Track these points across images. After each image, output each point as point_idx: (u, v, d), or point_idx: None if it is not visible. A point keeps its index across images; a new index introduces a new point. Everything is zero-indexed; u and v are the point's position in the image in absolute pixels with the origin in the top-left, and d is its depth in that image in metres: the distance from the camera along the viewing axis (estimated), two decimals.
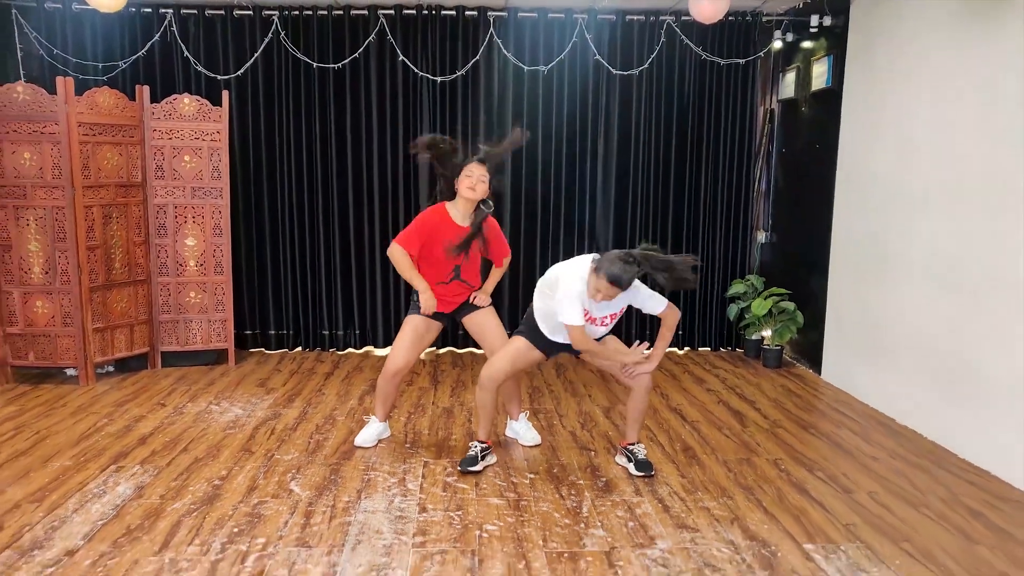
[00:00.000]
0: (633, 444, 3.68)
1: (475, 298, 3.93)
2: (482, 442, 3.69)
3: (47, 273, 4.90)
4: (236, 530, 2.95)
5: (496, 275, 4.03)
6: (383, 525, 3.02)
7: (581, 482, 3.50)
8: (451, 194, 3.76)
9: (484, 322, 3.95)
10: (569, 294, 3.31)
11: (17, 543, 2.82)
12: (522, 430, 4.05)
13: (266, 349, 6.16)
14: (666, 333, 3.54)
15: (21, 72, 5.60)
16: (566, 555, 2.82)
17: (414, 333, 3.81)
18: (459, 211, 3.73)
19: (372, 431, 3.98)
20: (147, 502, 3.18)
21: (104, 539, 2.85)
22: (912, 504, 3.33)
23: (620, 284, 3.19)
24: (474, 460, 3.61)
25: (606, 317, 3.48)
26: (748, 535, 3.00)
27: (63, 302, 4.92)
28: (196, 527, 2.96)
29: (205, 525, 2.98)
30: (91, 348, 4.99)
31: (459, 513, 3.15)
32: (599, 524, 3.07)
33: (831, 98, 5.36)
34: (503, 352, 3.68)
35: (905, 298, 4.48)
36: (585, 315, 3.39)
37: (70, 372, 5.16)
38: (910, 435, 4.24)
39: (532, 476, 3.57)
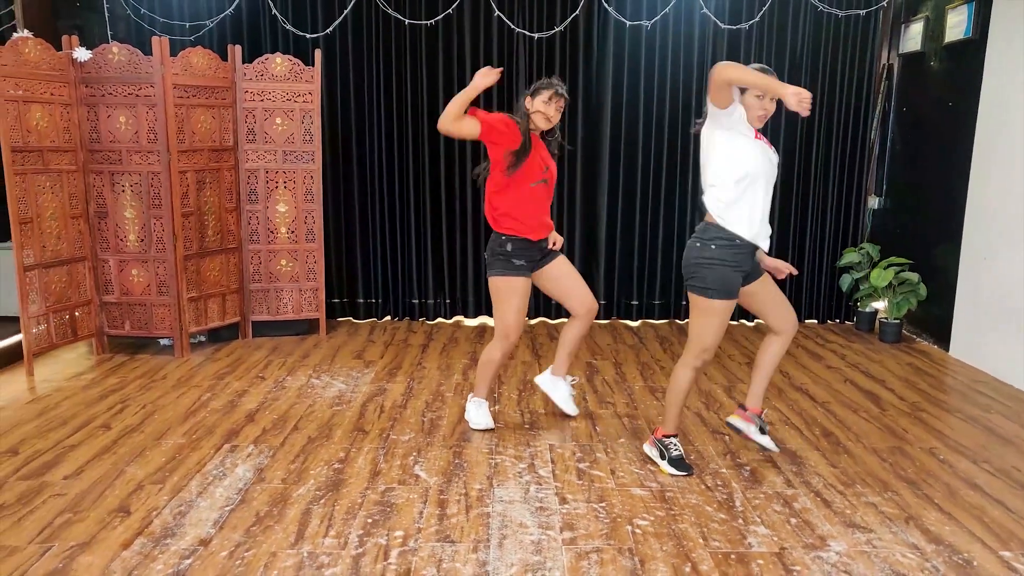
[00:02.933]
0: (670, 436, 3.26)
1: (553, 242, 3.59)
2: (673, 436, 3.26)
3: (142, 241, 4.76)
4: (370, 520, 2.75)
5: None
6: (525, 517, 2.80)
7: (724, 471, 3.23)
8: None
9: (566, 271, 3.60)
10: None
11: (148, 529, 2.66)
12: (565, 394, 3.83)
13: (354, 318, 5.99)
14: None
15: (108, 33, 5.44)
16: (733, 556, 2.56)
17: (524, 295, 3.47)
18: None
19: (485, 411, 3.69)
20: (270, 486, 3.01)
21: (235, 527, 2.68)
22: None
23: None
24: (682, 460, 3.20)
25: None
26: (930, 538, 2.70)
27: (158, 270, 4.79)
28: (327, 516, 2.78)
29: (336, 514, 2.79)
30: (186, 318, 4.85)
31: (603, 505, 2.91)
32: (758, 520, 2.81)
33: (970, 50, 4.89)
34: (705, 326, 3.02)
35: None
36: (756, 135, 2.97)
37: (163, 342, 5.05)
38: None
39: None
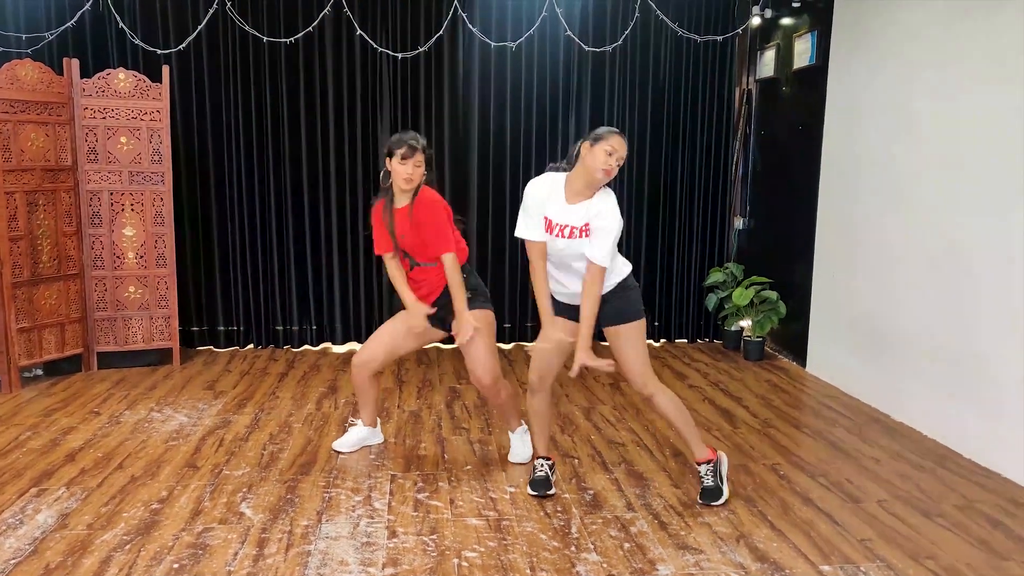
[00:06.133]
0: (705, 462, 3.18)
1: (456, 333, 3.25)
2: (547, 458, 3.25)
3: None
4: (176, 566, 2.55)
5: (452, 283, 3.19)
6: (348, 554, 2.65)
7: (567, 496, 3.17)
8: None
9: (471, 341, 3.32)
10: (524, 202, 2.95)
11: None
12: (517, 444, 3.56)
13: (215, 347, 5.70)
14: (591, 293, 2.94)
15: None
16: None
17: (392, 331, 3.42)
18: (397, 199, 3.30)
19: (354, 436, 3.64)
20: (72, 533, 2.76)
21: None
22: (926, 513, 3.06)
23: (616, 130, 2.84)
24: (547, 482, 3.18)
25: (565, 227, 2.86)
26: (757, 556, 2.70)
27: None
28: (128, 564, 2.56)
29: (139, 561, 2.57)
30: (15, 350, 4.49)
31: (434, 538, 2.79)
32: (591, 547, 2.74)
33: (815, 76, 5.08)
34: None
35: (897, 286, 4.23)
36: (546, 225, 2.89)
37: None
38: (908, 432, 4.00)
39: (512, 490, 3.22)
